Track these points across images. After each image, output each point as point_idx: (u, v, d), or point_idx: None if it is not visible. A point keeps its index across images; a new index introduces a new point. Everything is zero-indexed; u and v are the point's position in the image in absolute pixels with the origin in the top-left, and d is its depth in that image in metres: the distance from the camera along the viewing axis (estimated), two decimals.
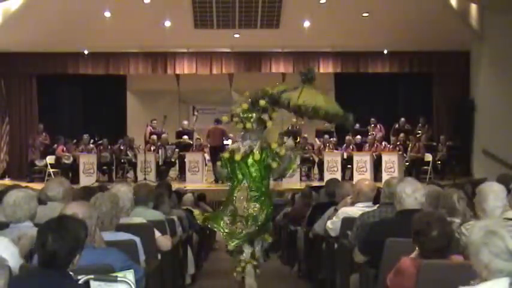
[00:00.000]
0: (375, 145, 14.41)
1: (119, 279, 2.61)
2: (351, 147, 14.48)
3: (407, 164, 14.22)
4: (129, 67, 16.00)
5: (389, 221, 3.96)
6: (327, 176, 12.36)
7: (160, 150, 14.30)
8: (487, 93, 14.36)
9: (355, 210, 4.83)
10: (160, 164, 14.29)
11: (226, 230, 5.43)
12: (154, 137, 14.62)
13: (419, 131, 14.97)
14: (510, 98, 13.23)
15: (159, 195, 5.61)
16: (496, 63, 13.97)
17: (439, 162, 14.36)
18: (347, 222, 4.78)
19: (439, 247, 2.99)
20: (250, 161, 5.50)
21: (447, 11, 13.83)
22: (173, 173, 15.02)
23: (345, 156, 14.28)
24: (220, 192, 7.21)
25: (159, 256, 4.54)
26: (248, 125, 5.54)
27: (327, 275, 5.55)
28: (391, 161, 13.58)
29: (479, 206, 3.84)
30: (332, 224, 5.14)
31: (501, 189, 3.86)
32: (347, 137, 14.70)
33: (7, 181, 13.80)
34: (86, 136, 14.49)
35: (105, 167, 14.33)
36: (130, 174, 14.60)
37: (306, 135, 15.03)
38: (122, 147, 14.67)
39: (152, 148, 14.37)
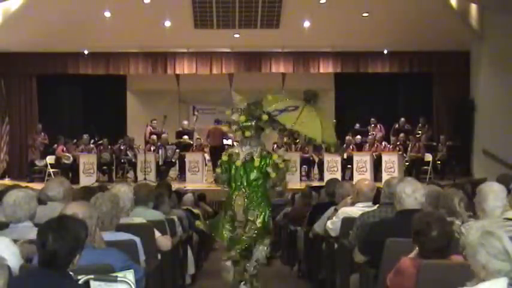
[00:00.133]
0: (375, 145, 14.41)
1: (119, 279, 2.61)
2: (351, 147, 14.48)
3: (407, 164, 14.21)
4: (129, 67, 16.00)
5: (389, 221, 3.96)
6: (327, 176, 12.36)
7: (160, 150, 14.30)
8: (487, 93, 14.36)
9: (355, 210, 4.84)
10: (160, 164, 14.29)
11: (227, 237, 5.55)
12: (154, 137, 14.61)
13: (419, 131, 14.96)
14: (510, 98, 13.22)
15: (159, 195, 5.61)
16: (496, 63, 13.97)
17: (439, 162, 14.36)
18: (347, 222, 4.79)
19: (439, 247, 3.00)
20: (250, 166, 5.57)
21: (447, 11, 13.83)
22: (173, 173, 15.02)
23: (345, 156, 14.27)
24: (220, 192, 7.21)
25: (159, 256, 4.54)
26: (247, 133, 5.62)
27: (327, 275, 5.55)
28: (391, 161, 13.58)
29: (479, 206, 3.84)
30: (332, 224, 5.14)
31: (501, 189, 3.86)
32: (347, 137, 14.70)
33: (7, 181, 13.80)
34: (86, 136, 14.49)
35: (105, 167, 14.33)
36: (130, 174, 14.60)
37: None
38: (122, 147, 14.67)
39: (152, 148, 14.37)
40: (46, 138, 14.76)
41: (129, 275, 2.67)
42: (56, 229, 2.52)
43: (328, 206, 5.73)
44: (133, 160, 14.41)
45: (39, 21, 13.63)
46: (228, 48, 15.88)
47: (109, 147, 14.52)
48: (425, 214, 3.21)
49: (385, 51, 15.77)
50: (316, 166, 14.65)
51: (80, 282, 2.54)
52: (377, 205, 4.56)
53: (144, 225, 4.47)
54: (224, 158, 5.74)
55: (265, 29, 14.77)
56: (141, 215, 4.74)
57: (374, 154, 14.04)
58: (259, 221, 5.53)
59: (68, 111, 16.79)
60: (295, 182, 13.11)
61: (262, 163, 5.59)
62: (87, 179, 13.30)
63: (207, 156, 14.50)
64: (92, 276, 2.58)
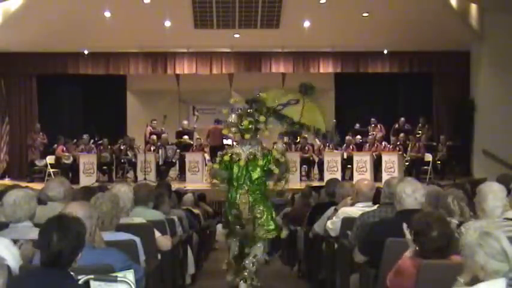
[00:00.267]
0: (375, 145, 14.40)
1: (119, 279, 2.61)
2: (351, 147, 14.48)
3: (407, 164, 14.21)
4: (129, 67, 16.00)
5: (389, 221, 3.95)
6: (327, 176, 12.36)
7: (160, 150, 14.30)
8: (487, 93, 14.36)
9: (355, 210, 4.84)
10: (160, 164, 14.28)
11: (239, 231, 5.80)
12: (154, 137, 14.61)
13: (419, 131, 14.96)
14: (510, 98, 13.23)
15: (159, 195, 5.61)
16: (496, 63, 13.98)
17: (439, 162, 14.36)
18: (347, 222, 4.78)
19: (439, 247, 2.99)
20: (253, 165, 5.78)
21: (447, 11, 13.84)
22: (173, 173, 15.02)
23: (345, 156, 14.27)
24: (221, 192, 7.24)
25: (159, 256, 4.54)
26: (247, 136, 5.83)
27: (327, 275, 5.55)
28: (391, 161, 13.58)
29: (479, 206, 3.84)
30: (332, 224, 5.14)
31: (501, 189, 3.86)
32: (347, 137, 14.71)
33: (7, 181, 13.79)
34: (85, 136, 14.49)
35: (105, 167, 14.33)
36: (130, 174, 14.59)
37: (306, 136, 14.99)
38: (122, 147, 14.67)
39: (152, 148, 14.37)
40: (45, 137, 14.76)
41: (129, 275, 2.67)
42: (59, 228, 2.53)
43: (328, 206, 5.73)
44: (133, 160, 14.41)
45: (39, 21, 13.64)
46: (228, 48, 15.88)
47: (109, 147, 14.52)
48: (425, 214, 3.21)
49: (385, 51, 15.77)
50: (316, 166, 14.65)
51: (80, 282, 2.54)
52: (377, 205, 4.56)
53: (144, 225, 4.47)
54: (226, 158, 5.87)
55: (265, 29, 14.78)
56: (141, 215, 4.74)
57: (374, 154, 14.03)
58: (264, 217, 5.75)
59: (67, 111, 16.79)
60: (295, 182, 13.11)
61: (265, 161, 5.80)
62: (87, 179, 13.29)
63: (207, 156, 14.49)
64: (92, 276, 2.58)
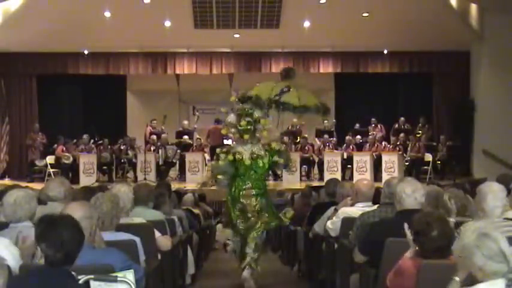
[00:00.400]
0: (375, 145, 14.40)
1: (119, 279, 2.61)
2: (351, 147, 14.47)
3: (407, 164, 14.21)
4: (129, 67, 16.01)
5: (389, 221, 3.95)
6: (327, 176, 12.34)
7: (160, 150, 14.30)
8: (487, 93, 14.37)
9: (355, 210, 4.83)
10: (160, 164, 14.29)
11: (241, 227, 6.20)
12: (154, 137, 14.61)
13: (419, 131, 14.95)
14: (510, 98, 13.24)
15: (160, 195, 5.61)
16: (496, 63, 13.98)
17: (439, 162, 14.36)
18: (347, 222, 4.78)
19: (439, 247, 2.99)
20: (257, 162, 6.19)
21: (447, 11, 13.84)
22: (173, 173, 15.02)
23: (345, 156, 14.27)
24: (221, 192, 7.29)
25: (159, 256, 4.54)
26: (246, 136, 6.17)
27: (327, 275, 5.54)
28: (391, 161, 13.58)
29: (478, 206, 3.84)
30: (332, 224, 5.14)
31: (500, 189, 3.86)
32: (347, 137, 14.72)
33: (7, 181, 13.80)
34: (85, 136, 14.49)
35: (105, 167, 14.33)
36: (130, 174, 14.59)
37: (306, 135, 15.04)
38: (122, 147, 14.67)
39: (152, 148, 14.37)
40: (44, 137, 14.76)
41: (129, 275, 2.67)
42: (69, 227, 2.54)
43: (328, 206, 5.73)
44: (133, 160, 14.40)
45: (39, 21, 13.64)
46: (228, 48, 15.88)
47: (109, 147, 14.52)
48: (425, 214, 3.21)
49: (385, 51, 15.77)
50: (316, 166, 14.65)
51: (80, 282, 2.54)
52: (377, 205, 4.56)
53: (144, 225, 4.47)
54: (230, 157, 6.19)
55: (265, 29, 14.78)
56: (141, 215, 4.74)
57: (374, 154, 14.03)
58: (268, 209, 6.30)
59: (67, 111, 16.79)
60: (295, 182, 13.12)
61: (269, 156, 6.24)
62: (87, 179, 13.29)
63: (207, 156, 14.48)
64: (92, 276, 2.58)
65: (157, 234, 4.59)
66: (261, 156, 6.19)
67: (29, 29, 13.75)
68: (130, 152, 14.55)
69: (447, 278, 2.65)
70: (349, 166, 14.10)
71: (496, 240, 2.34)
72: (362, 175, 12.80)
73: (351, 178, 13.01)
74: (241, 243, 6.34)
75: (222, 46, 15.79)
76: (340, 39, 15.06)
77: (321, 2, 13.75)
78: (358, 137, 14.70)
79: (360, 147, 14.47)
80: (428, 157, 14.23)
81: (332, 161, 13.95)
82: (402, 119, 15.37)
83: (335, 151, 14.36)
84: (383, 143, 14.62)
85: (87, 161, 13.91)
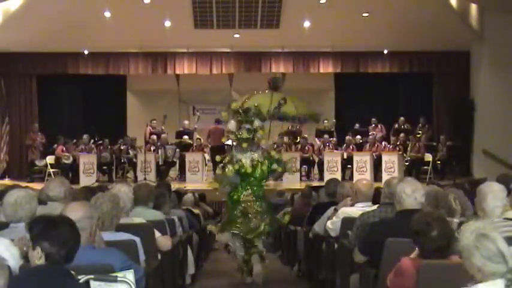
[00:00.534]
0: (375, 145, 14.40)
1: (119, 279, 2.62)
2: (351, 147, 14.47)
3: (407, 164, 14.21)
4: (129, 67, 16.01)
5: (389, 221, 3.95)
6: (327, 176, 12.33)
7: (160, 150, 14.30)
8: (487, 93, 14.37)
9: (355, 210, 4.84)
10: (160, 164, 14.28)
11: (242, 229, 6.43)
12: (154, 137, 14.60)
13: (420, 131, 14.96)
14: (510, 98, 13.23)
15: (161, 196, 5.61)
16: (496, 63, 13.98)
17: (439, 162, 14.36)
18: (347, 222, 4.78)
19: (439, 247, 2.99)
20: (257, 169, 6.46)
21: (447, 11, 13.84)
22: (173, 173, 15.02)
23: (345, 156, 14.27)
24: (222, 193, 7.32)
25: (159, 256, 4.54)
26: (244, 145, 6.43)
27: (327, 275, 5.54)
28: (391, 161, 13.58)
29: (479, 206, 3.84)
30: (332, 224, 5.14)
31: (500, 189, 3.86)
32: (347, 137, 14.72)
33: (7, 181, 13.80)
34: (85, 136, 14.49)
35: (105, 167, 14.33)
36: (130, 174, 14.59)
37: (306, 135, 15.04)
38: (122, 147, 14.67)
39: (152, 148, 14.36)
40: (43, 137, 14.75)
41: (129, 275, 2.67)
42: (69, 226, 2.56)
43: (328, 206, 5.73)
44: (133, 160, 14.40)
45: (39, 21, 13.64)
46: (228, 48, 15.88)
47: (109, 147, 14.52)
48: (425, 214, 3.20)
49: (385, 51, 15.78)
50: (316, 166, 14.65)
51: (80, 282, 2.54)
52: (377, 205, 4.56)
53: (144, 225, 4.47)
54: (236, 167, 6.43)
55: (265, 29, 14.79)
56: (141, 215, 4.73)
57: (374, 154, 14.03)
58: (267, 212, 6.59)
59: (67, 111, 16.79)
60: (295, 182, 13.11)
61: (267, 163, 6.50)
62: (87, 179, 13.29)
63: (207, 156, 14.49)
64: (92, 276, 2.58)
65: (157, 234, 4.59)
66: (260, 163, 6.45)
67: (29, 29, 13.75)
68: (131, 152, 14.54)
69: (447, 278, 2.66)
70: (349, 166, 14.10)
71: (495, 240, 2.34)
72: (362, 175, 12.80)
73: (351, 178, 13.01)
74: (244, 245, 6.53)
75: (222, 46, 15.79)
76: (340, 39, 15.06)
77: (321, 2, 13.76)
78: (358, 137, 14.70)
79: (360, 147, 14.47)
80: (428, 157, 14.23)
81: (332, 161, 13.95)
82: (402, 119, 15.37)
83: (335, 151, 14.35)
84: (383, 143, 14.62)
85: (87, 161, 13.90)
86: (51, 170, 14.00)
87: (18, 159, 15.64)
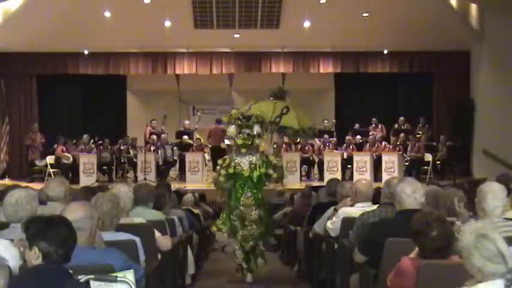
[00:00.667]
0: (375, 145, 14.40)
1: (119, 279, 2.62)
2: (351, 147, 14.47)
3: (407, 164, 14.21)
4: (129, 67, 16.01)
5: (389, 221, 3.96)
6: (327, 176, 12.34)
7: (160, 150, 14.30)
8: (487, 93, 14.37)
9: (355, 210, 4.83)
10: (160, 164, 14.28)
11: (240, 233, 6.54)
12: (154, 137, 14.60)
13: (420, 131, 14.96)
14: (510, 98, 13.23)
15: (161, 196, 5.61)
16: (496, 63, 13.98)
17: (439, 162, 14.36)
18: (347, 222, 4.78)
19: (439, 247, 2.99)
20: (255, 173, 6.53)
21: (447, 11, 13.84)
22: (173, 173, 15.02)
23: (345, 156, 14.27)
24: (222, 194, 7.36)
25: (159, 256, 4.54)
26: (243, 150, 6.53)
27: (327, 275, 5.54)
28: (391, 161, 13.58)
29: (479, 206, 3.84)
30: (332, 224, 5.14)
31: (500, 189, 3.85)
32: (347, 137, 14.71)
33: (7, 181, 13.80)
34: (86, 136, 14.49)
35: (105, 167, 14.33)
36: (130, 174, 14.59)
37: None
38: (122, 147, 14.67)
39: (152, 148, 14.36)
40: (42, 137, 14.75)
41: (129, 275, 2.67)
42: (66, 225, 2.56)
43: (328, 206, 5.73)
44: (134, 160, 14.40)
45: (39, 21, 13.64)
46: (228, 48, 15.88)
47: (109, 147, 14.52)
48: (425, 214, 3.20)
49: (385, 51, 15.77)
50: (316, 166, 14.64)
51: (80, 281, 2.55)
52: (377, 205, 4.56)
53: (144, 225, 4.47)
54: (230, 170, 6.54)
55: (265, 29, 14.79)
56: (141, 215, 4.73)
57: (374, 154, 14.03)
58: (266, 218, 6.68)
59: (67, 111, 16.79)
60: (295, 182, 13.12)
61: (265, 168, 6.57)
62: (87, 179, 13.29)
63: (207, 156, 14.49)
64: (92, 276, 2.58)
65: (157, 234, 4.59)
66: (258, 166, 6.53)
67: (29, 29, 13.75)
68: (131, 152, 14.54)
69: (447, 278, 2.66)
70: (349, 166, 14.10)
71: (495, 241, 2.34)
72: (362, 175, 12.80)
73: (351, 178, 13.00)
74: (242, 247, 6.63)
75: (222, 46, 15.79)
76: (340, 39, 15.06)
77: (321, 2, 13.76)
78: (358, 137, 14.70)
79: (360, 147, 14.47)
80: (428, 157, 14.22)
81: (332, 161, 13.95)
82: (402, 118, 15.37)
83: (335, 151, 14.35)
84: (383, 143, 14.61)
85: (87, 161, 13.90)
86: (51, 170, 14.00)
87: (18, 159, 15.64)
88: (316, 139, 15.23)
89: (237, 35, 15.19)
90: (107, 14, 13.91)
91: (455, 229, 3.52)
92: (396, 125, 15.37)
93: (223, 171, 6.58)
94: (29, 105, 15.97)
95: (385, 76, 16.32)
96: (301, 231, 6.86)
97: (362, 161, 13.77)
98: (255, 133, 6.57)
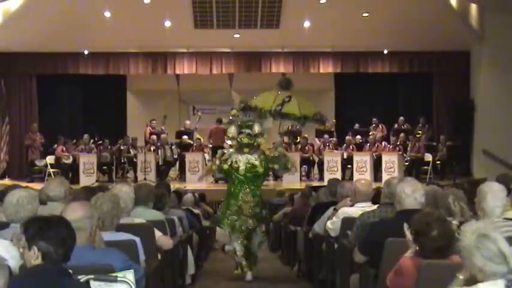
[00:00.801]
0: (375, 145, 14.41)
1: (119, 279, 2.62)
2: (351, 147, 14.47)
3: (407, 164, 14.21)
4: (129, 67, 16.00)
5: (389, 221, 3.95)
6: (327, 176, 12.36)
7: (160, 150, 14.30)
8: (487, 93, 14.37)
9: (355, 210, 4.83)
10: (160, 164, 14.28)
11: (231, 228, 6.66)
12: (154, 137, 14.60)
13: (419, 131, 14.96)
14: (510, 98, 13.23)
15: (162, 196, 5.61)
16: (496, 63, 13.98)
17: (439, 162, 14.36)
18: (347, 222, 4.78)
19: (439, 247, 2.99)
20: (252, 171, 6.62)
21: (447, 11, 13.84)
22: (173, 173, 15.02)
23: (345, 156, 14.27)
24: (220, 192, 7.39)
25: (159, 256, 4.54)
26: (245, 150, 6.62)
27: (327, 275, 5.54)
28: (391, 161, 13.58)
29: (478, 206, 3.84)
30: (332, 224, 5.14)
31: (500, 189, 3.85)
32: (347, 137, 14.71)
33: (7, 181, 13.79)
34: (86, 136, 14.49)
35: (105, 167, 14.33)
36: (130, 174, 14.59)
37: (306, 135, 15.03)
38: (122, 147, 14.67)
39: (152, 148, 14.36)
40: (42, 137, 14.75)
41: (129, 275, 2.67)
42: (65, 225, 2.56)
43: (328, 206, 5.73)
44: (134, 160, 14.40)
45: (39, 21, 13.64)
46: (228, 48, 15.88)
47: (109, 147, 14.52)
48: (425, 214, 3.20)
49: (385, 51, 15.77)
50: (316, 166, 14.65)
51: (80, 281, 2.55)
52: (377, 205, 4.56)
53: (144, 225, 4.47)
54: (225, 166, 6.65)
55: (265, 29, 14.79)
56: (141, 215, 4.73)
57: (374, 154, 14.04)
58: (263, 213, 6.84)
59: (67, 111, 16.80)
60: (295, 182, 13.12)
61: (264, 164, 6.65)
62: (87, 179, 13.29)
63: (207, 156, 14.48)
64: (92, 276, 2.58)
65: (158, 233, 4.59)
66: (255, 166, 6.63)
67: (29, 29, 13.75)
68: (131, 151, 14.54)
69: (447, 278, 2.66)
70: (349, 166, 14.10)
71: (496, 241, 2.34)
72: (362, 175, 12.81)
73: (351, 178, 13.01)
74: (242, 244, 6.73)
75: (222, 46, 15.79)
76: (340, 39, 15.06)
77: (321, 2, 13.76)
78: (358, 137, 14.70)
79: (360, 147, 14.47)
80: (428, 157, 14.22)
81: (332, 161, 13.95)
82: (402, 118, 15.37)
83: (335, 151, 14.36)
84: (383, 143, 14.62)
85: (87, 161, 13.91)
86: (51, 170, 14.00)
87: (18, 159, 15.63)
88: (316, 139, 15.24)
89: (237, 35, 15.19)
90: (107, 14, 13.90)
91: (454, 228, 3.53)
92: (396, 125, 15.37)
93: (217, 162, 6.80)
94: (29, 105, 15.97)
95: (385, 76, 16.32)
96: (301, 231, 6.87)
97: (362, 161, 13.78)
98: (256, 132, 6.57)
